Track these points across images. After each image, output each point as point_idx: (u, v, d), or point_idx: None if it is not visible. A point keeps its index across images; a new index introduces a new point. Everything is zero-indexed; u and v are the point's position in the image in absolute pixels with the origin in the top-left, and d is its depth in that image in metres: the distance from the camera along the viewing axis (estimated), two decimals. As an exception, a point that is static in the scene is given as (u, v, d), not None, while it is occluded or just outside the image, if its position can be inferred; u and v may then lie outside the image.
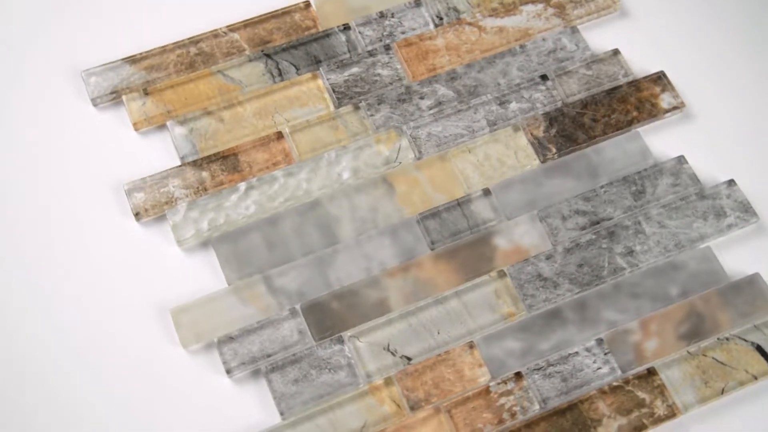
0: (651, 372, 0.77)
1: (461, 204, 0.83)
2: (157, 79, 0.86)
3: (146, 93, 0.86)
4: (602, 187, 0.84)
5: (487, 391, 0.77)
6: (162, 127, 0.86)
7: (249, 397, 0.76)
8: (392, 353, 0.78)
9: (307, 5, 0.90)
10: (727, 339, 0.79)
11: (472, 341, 0.78)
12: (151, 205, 0.81)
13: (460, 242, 0.82)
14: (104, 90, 0.86)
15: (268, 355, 0.77)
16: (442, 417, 0.76)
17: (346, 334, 0.78)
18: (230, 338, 0.77)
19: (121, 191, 0.83)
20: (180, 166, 0.83)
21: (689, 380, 0.77)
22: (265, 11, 0.90)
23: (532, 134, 0.86)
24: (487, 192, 0.83)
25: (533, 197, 0.84)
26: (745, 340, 0.79)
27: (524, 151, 0.85)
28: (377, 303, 0.79)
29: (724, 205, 0.83)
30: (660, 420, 0.76)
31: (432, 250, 0.81)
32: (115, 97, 0.86)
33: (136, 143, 0.85)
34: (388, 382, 0.77)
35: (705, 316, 0.80)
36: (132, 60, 0.87)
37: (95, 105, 0.86)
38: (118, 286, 0.79)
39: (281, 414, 0.75)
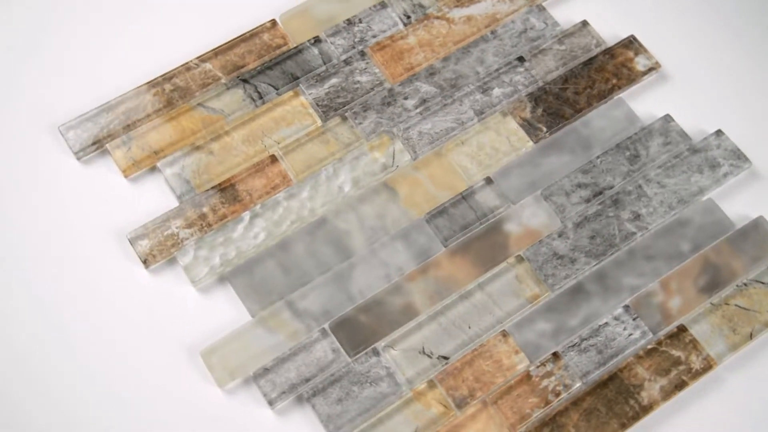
0: (680, 329, 0.79)
1: (465, 197, 0.83)
2: (137, 121, 0.85)
3: (129, 138, 0.84)
4: (598, 157, 0.85)
5: (528, 376, 0.77)
6: (152, 169, 0.84)
7: (296, 424, 0.76)
8: (428, 356, 0.78)
9: (274, 24, 0.89)
10: (745, 285, 0.81)
11: (504, 330, 0.79)
12: (158, 251, 0.80)
13: (472, 235, 0.82)
14: (85, 142, 0.84)
15: (307, 380, 0.76)
16: (490, 410, 0.76)
17: (380, 345, 0.78)
18: (265, 370, 0.77)
19: (125, 241, 0.81)
20: (179, 205, 0.82)
21: (717, 331, 0.79)
22: (231, 36, 0.89)
23: (520, 117, 0.86)
24: (488, 180, 0.84)
25: (534, 178, 0.84)
26: (763, 283, 0.81)
27: (516, 134, 0.86)
28: (403, 309, 0.79)
29: (716, 156, 0.85)
30: (698, 374, 0.77)
31: (446, 247, 0.82)
32: (98, 147, 0.84)
33: (129, 190, 0.83)
34: (430, 384, 0.77)
35: (720, 266, 0.81)
36: (107, 107, 0.85)
37: (79, 158, 0.83)
38: (143, 336, 0.77)
39: (332, 437, 0.75)
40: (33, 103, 0.86)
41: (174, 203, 0.83)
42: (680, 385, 0.77)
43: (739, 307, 0.80)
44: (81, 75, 0.87)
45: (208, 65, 0.87)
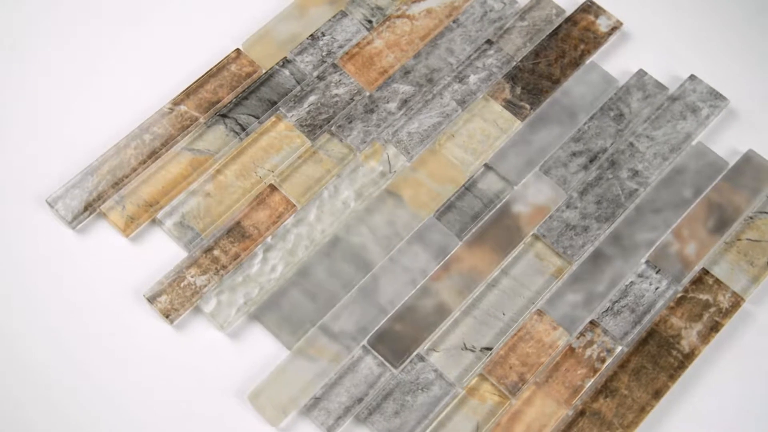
0: (703, 273, 0.81)
1: (468, 188, 0.84)
2: (124, 178, 0.82)
3: (121, 196, 0.82)
4: (585, 123, 0.86)
5: (571, 349, 0.78)
6: (152, 223, 0.82)
7: (359, 446, 0.75)
8: (471, 350, 0.78)
9: (238, 53, 0.88)
10: (751, 218, 0.83)
11: (538, 309, 0.79)
12: (179, 303, 0.78)
13: (484, 223, 0.83)
14: (77, 209, 0.81)
15: (360, 399, 0.76)
16: (544, 389, 0.77)
17: (422, 350, 0.78)
18: (316, 399, 0.76)
19: (143, 300, 0.79)
20: (189, 254, 0.80)
21: (736, 267, 0.81)
22: (198, 73, 0.88)
23: (501, 99, 0.87)
24: (487, 167, 0.84)
25: (529, 156, 0.85)
26: (766, 212, 0.83)
27: (501, 116, 0.87)
28: (435, 309, 0.79)
29: (694, 100, 0.87)
30: (729, 313, 0.79)
31: (461, 240, 0.82)
32: (90, 212, 0.81)
33: (133, 248, 0.81)
34: (480, 378, 0.77)
35: (723, 205, 0.84)
36: (91, 169, 0.82)
37: (74, 228, 0.81)
38: (186, 391, 0.76)
39: (398, 451, 0.75)
40: (12, 178, 0.83)
41: (182, 252, 0.81)
42: (715, 327, 0.79)
43: (751, 240, 0.82)
44: (55, 141, 0.84)
45: (182, 107, 0.85)
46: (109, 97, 0.86)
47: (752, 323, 0.80)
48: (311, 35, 0.89)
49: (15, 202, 0.82)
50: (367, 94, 0.87)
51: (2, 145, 0.84)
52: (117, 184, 0.82)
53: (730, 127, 0.88)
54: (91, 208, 0.81)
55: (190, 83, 0.87)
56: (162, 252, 0.81)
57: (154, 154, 0.83)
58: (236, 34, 0.90)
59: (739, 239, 0.82)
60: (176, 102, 0.86)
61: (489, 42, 0.89)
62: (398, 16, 0.90)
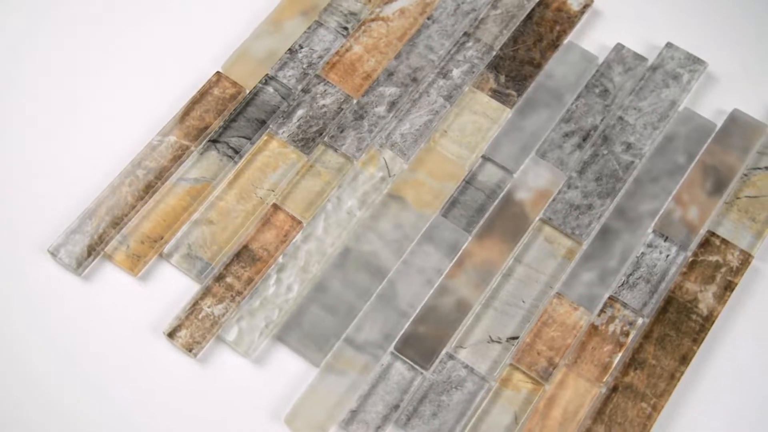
0: (709, 235, 0.82)
1: (469, 181, 0.84)
2: (123, 217, 0.81)
3: (123, 236, 0.80)
4: (572, 103, 0.87)
5: (594, 327, 0.79)
6: (159, 258, 0.81)
7: (402, 453, 0.75)
8: (497, 342, 0.78)
9: (219, 76, 0.87)
10: (746, 175, 0.85)
11: (557, 292, 0.80)
12: (200, 336, 0.77)
13: (490, 214, 0.83)
14: (80, 255, 0.79)
15: (396, 406, 0.76)
16: (575, 370, 0.77)
17: (450, 348, 0.78)
18: (352, 412, 0.75)
19: (162, 337, 0.78)
20: (201, 285, 0.79)
21: (740, 225, 0.83)
22: (181, 102, 0.86)
23: (487, 89, 0.88)
24: (484, 158, 0.85)
25: (524, 142, 0.86)
26: (760, 168, 0.85)
27: (490, 106, 0.87)
28: (456, 306, 0.79)
29: (674, 67, 0.89)
30: (740, 271, 0.81)
31: (470, 234, 0.82)
32: (94, 256, 0.80)
33: (144, 287, 0.80)
34: (511, 368, 0.77)
35: (717, 166, 0.85)
36: (88, 213, 0.81)
37: (80, 274, 0.79)
38: (222, 422, 0.75)
39: (442, 453, 0.75)
40: (7, 229, 0.81)
41: (194, 284, 0.80)
42: (729, 286, 0.80)
43: (749, 197, 0.84)
44: (45, 187, 0.82)
45: (171, 138, 0.84)
46: (94, 135, 0.85)
47: (762, 279, 0.82)
48: (290, 49, 0.88)
49: (14, 254, 0.80)
50: (354, 101, 0.87)
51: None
52: (117, 224, 0.81)
53: (712, 89, 0.89)
54: (94, 252, 0.80)
55: (176, 113, 0.86)
56: (173, 286, 0.80)
57: (150, 189, 0.82)
58: (214, 57, 0.89)
59: (738, 198, 0.84)
60: (164, 133, 0.84)
61: (466, 34, 0.90)
62: (373, 20, 0.90)
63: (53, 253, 0.79)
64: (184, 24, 0.90)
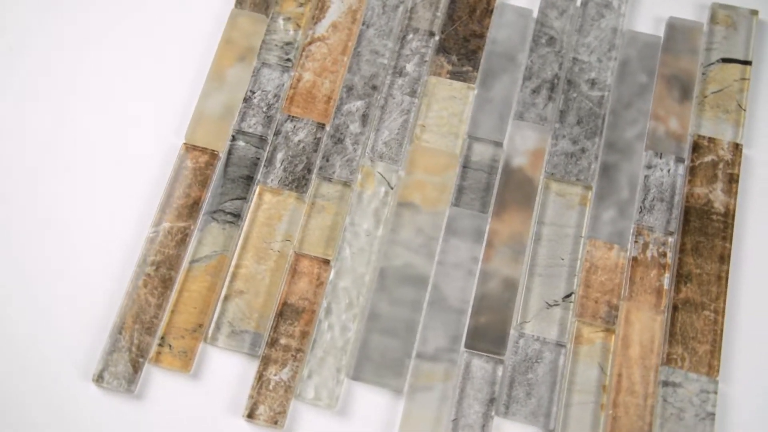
0: (696, 138, 0.86)
1: (466, 165, 0.85)
2: (152, 318, 0.78)
3: (161, 339, 0.77)
4: (528, 60, 0.89)
5: (635, 259, 0.82)
6: (203, 347, 0.78)
7: (515, 441, 0.76)
8: (555, 304, 0.80)
9: (186, 147, 0.84)
10: (704, 74, 0.89)
11: (589, 240, 0.82)
12: (279, 406, 0.75)
13: (498, 190, 0.84)
14: (126, 373, 0.76)
15: (491, 400, 0.76)
16: (634, 305, 0.80)
17: (516, 327, 0.79)
18: (454, 421, 0.76)
19: (242, 421, 0.75)
20: (258, 357, 0.77)
21: (715, 119, 0.87)
22: (158, 186, 0.83)
23: (445, 72, 0.88)
24: (470, 138, 0.86)
25: (498, 111, 0.87)
26: (712, 63, 0.89)
27: (454, 89, 0.88)
28: (504, 287, 0.80)
29: (602, -4, 0.92)
30: (735, 162, 0.85)
31: (488, 214, 0.83)
32: (138, 368, 0.76)
33: (200, 379, 0.77)
34: (578, 324, 0.79)
35: (677, 74, 0.89)
36: (116, 328, 0.77)
37: (133, 392, 0.76)
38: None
39: (552, 431, 0.76)
40: (43, 369, 0.76)
41: (250, 358, 0.78)
42: (732, 178, 0.85)
43: (715, 91, 0.88)
44: (58, 313, 0.78)
45: (165, 225, 0.81)
46: (86, 242, 0.81)
47: (756, 164, 0.86)
48: (244, 98, 0.86)
49: (55, 390, 0.75)
50: (327, 127, 0.85)
51: (15, 335, 0.77)
52: (149, 329, 0.77)
53: (642, 3, 0.93)
54: (137, 365, 0.76)
55: (158, 199, 0.82)
56: (231, 368, 0.77)
57: (167, 282, 0.79)
58: (168, 131, 0.85)
59: (705, 96, 0.88)
60: (157, 223, 0.81)
61: (404, 29, 0.90)
62: (310, 43, 0.89)
63: (98, 380, 0.75)
64: (134, 101, 0.86)
